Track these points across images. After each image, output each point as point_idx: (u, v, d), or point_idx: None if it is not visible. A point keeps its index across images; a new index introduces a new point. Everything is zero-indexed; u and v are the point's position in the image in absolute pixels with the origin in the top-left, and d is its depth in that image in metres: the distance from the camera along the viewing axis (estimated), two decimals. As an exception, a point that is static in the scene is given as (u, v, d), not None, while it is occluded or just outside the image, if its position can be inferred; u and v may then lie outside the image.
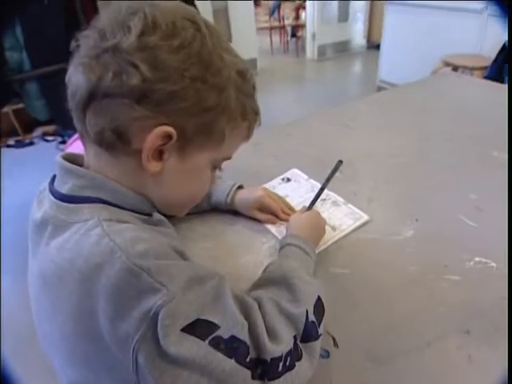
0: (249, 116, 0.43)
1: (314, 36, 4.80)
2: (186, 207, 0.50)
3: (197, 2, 3.32)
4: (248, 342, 0.37)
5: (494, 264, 0.65)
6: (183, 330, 0.33)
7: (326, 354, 0.53)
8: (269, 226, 0.74)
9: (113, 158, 0.39)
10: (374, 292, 0.61)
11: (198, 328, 0.34)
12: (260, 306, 0.43)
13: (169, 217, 0.70)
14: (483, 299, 0.60)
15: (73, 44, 0.38)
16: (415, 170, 0.94)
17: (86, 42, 0.37)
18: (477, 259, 0.66)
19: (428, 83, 1.63)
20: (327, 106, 1.43)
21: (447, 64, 2.65)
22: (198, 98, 0.37)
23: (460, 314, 0.57)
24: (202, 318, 0.35)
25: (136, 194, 0.42)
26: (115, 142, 0.37)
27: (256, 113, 0.45)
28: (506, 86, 1.95)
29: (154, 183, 0.41)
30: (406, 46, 3.38)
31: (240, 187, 0.77)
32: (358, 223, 0.73)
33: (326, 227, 0.71)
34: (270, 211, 0.74)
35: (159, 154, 0.39)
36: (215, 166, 0.46)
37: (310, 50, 4.95)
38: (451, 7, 2.90)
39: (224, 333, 0.35)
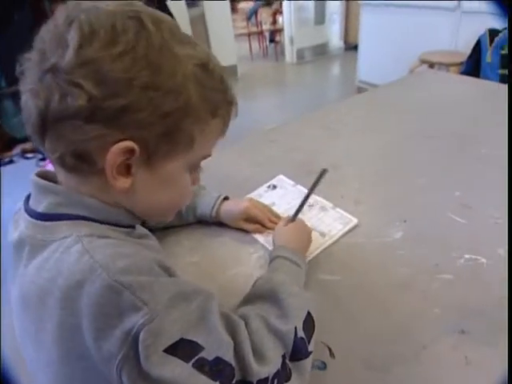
0: (220, 111, 0.40)
1: (292, 40, 4.84)
2: (171, 213, 0.49)
3: (173, 10, 3.32)
4: (233, 363, 0.35)
5: (484, 260, 0.65)
6: (166, 350, 0.32)
7: (322, 366, 0.51)
8: (256, 236, 0.73)
9: (81, 178, 0.38)
10: (367, 297, 0.60)
11: (182, 349, 0.33)
12: (247, 324, 0.41)
13: (153, 231, 0.68)
14: (476, 297, 0.59)
15: (18, 69, 0.35)
16: (401, 169, 0.95)
17: (29, 65, 0.35)
18: (467, 256, 0.66)
19: (406, 82, 1.65)
20: (309, 110, 1.42)
21: (424, 62, 2.69)
22: (152, 106, 0.34)
23: (454, 313, 0.57)
24: (186, 338, 0.33)
25: (114, 207, 0.40)
26: (77, 164, 0.36)
27: (229, 104, 0.42)
28: (484, 80, 1.99)
29: (129, 197, 0.40)
30: (383, 46, 3.43)
31: (226, 198, 0.76)
32: (347, 227, 0.72)
33: (315, 233, 0.71)
34: (257, 221, 0.73)
35: (126, 169, 0.37)
36: (193, 168, 0.44)
37: (289, 54, 4.98)
38: (425, 6, 2.95)
39: (208, 354, 0.34)
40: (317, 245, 0.68)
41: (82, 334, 0.33)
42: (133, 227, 0.45)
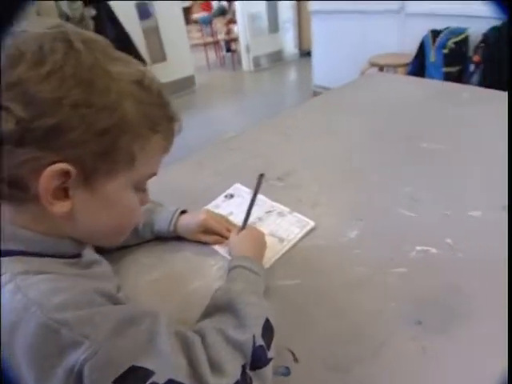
0: (160, 127, 0.40)
1: (248, 48, 4.91)
2: (119, 236, 0.47)
3: (125, 23, 3.27)
4: (188, 382, 0.35)
5: (434, 250, 0.68)
6: (115, 381, 0.31)
7: (286, 372, 0.51)
8: (216, 247, 0.72)
9: (18, 206, 0.36)
10: (326, 299, 0.61)
11: (132, 377, 0.32)
12: (204, 338, 0.41)
13: (111, 251, 0.66)
14: (429, 286, 0.62)
15: None
16: (355, 170, 0.97)
17: None
18: (418, 248, 0.68)
19: (356, 85, 1.71)
20: (268, 116, 1.45)
21: (374, 64, 2.82)
22: (86, 124, 0.33)
23: (410, 306, 0.58)
24: (136, 364, 0.32)
25: (54, 237, 0.39)
26: (11, 192, 0.34)
27: (170, 119, 0.42)
28: (429, 80, 2.11)
29: (70, 222, 0.38)
30: (336, 51, 3.55)
31: (183, 212, 0.75)
32: (304, 230, 0.73)
33: (274, 239, 0.71)
34: (215, 232, 0.73)
35: (64, 193, 0.36)
36: (139, 187, 0.43)
37: (246, 63, 5.04)
38: (371, 10, 3.10)
39: (160, 378, 0.33)
40: (275, 251, 0.69)
41: (23, 376, 0.31)
42: (79, 256, 0.43)
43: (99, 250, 0.55)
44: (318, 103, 1.57)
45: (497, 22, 2.31)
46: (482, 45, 2.40)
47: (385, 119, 1.25)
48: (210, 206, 0.84)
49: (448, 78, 2.45)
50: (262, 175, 0.72)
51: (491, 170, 0.92)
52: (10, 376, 0.34)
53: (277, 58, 5.24)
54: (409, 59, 2.71)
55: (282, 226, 0.75)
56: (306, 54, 5.04)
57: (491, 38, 2.35)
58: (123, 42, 3.37)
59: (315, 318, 0.58)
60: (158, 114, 0.40)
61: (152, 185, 0.53)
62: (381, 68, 2.81)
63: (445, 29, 2.55)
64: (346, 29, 3.39)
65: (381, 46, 2.99)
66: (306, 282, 0.64)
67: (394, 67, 2.76)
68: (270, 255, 0.68)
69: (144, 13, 3.85)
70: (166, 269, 0.71)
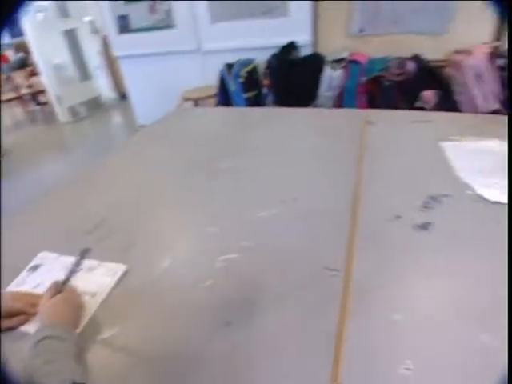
0: None
1: (60, 99, 4.59)
2: None
3: None
4: None
5: (234, 255, 0.79)
6: None
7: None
8: (24, 328, 0.66)
9: None
10: (147, 334, 0.64)
11: None
12: None
13: None
14: (234, 289, 0.72)
15: None
16: (164, 202, 1.05)
17: None
18: (221, 258, 0.79)
19: (170, 119, 1.83)
20: (94, 165, 1.41)
21: (186, 99, 3.03)
22: None
23: (219, 311, 0.66)
24: None
25: None
26: None
27: None
28: (234, 108, 2.39)
29: None
30: (151, 90, 3.67)
31: None
32: (116, 277, 0.74)
33: (86, 296, 0.70)
34: (19, 312, 0.67)
35: None
36: None
37: (61, 114, 4.69)
38: (172, 51, 3.35)
39: None
40: (89, 307, 0.68)
41: None
42: None
43: None
44: (136, 141, 1.62)
45: (275, 51, 2.83)
46: (268, 70, 2.88)
47: (194, 148, 1.39)
48: (13, 285, 0.77)
49: (250, 102, 2.84)
50: (86, 250, 0.73)
51: (275, 174, 1.13)
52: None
53: (95, 104, 5.06)
54: (215, 91, 3.02)
55: (93, 280, 0.74)
56: (124, 96, 5.02)
57: (272, 64, 2.84)
58: None
59: (138, 357, 0.60)
60: None
61: None
62: (195, 101, 3.04)
63: (236, 61, 2.95)
64: (154, 69, 3.56)
65: (190, 82, 3.26)
66: (127, 327, 0.65)
67: (204, 99, 3.03)
68: (87, 312, 0.67)
69: None
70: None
